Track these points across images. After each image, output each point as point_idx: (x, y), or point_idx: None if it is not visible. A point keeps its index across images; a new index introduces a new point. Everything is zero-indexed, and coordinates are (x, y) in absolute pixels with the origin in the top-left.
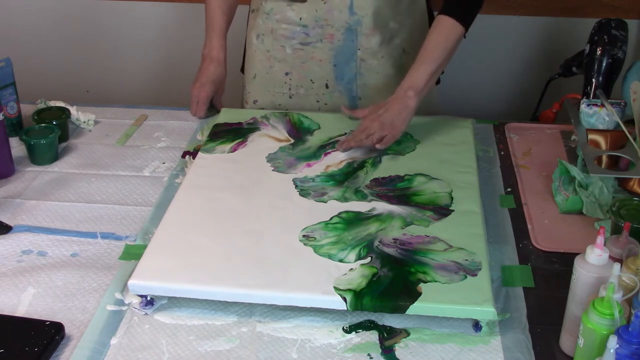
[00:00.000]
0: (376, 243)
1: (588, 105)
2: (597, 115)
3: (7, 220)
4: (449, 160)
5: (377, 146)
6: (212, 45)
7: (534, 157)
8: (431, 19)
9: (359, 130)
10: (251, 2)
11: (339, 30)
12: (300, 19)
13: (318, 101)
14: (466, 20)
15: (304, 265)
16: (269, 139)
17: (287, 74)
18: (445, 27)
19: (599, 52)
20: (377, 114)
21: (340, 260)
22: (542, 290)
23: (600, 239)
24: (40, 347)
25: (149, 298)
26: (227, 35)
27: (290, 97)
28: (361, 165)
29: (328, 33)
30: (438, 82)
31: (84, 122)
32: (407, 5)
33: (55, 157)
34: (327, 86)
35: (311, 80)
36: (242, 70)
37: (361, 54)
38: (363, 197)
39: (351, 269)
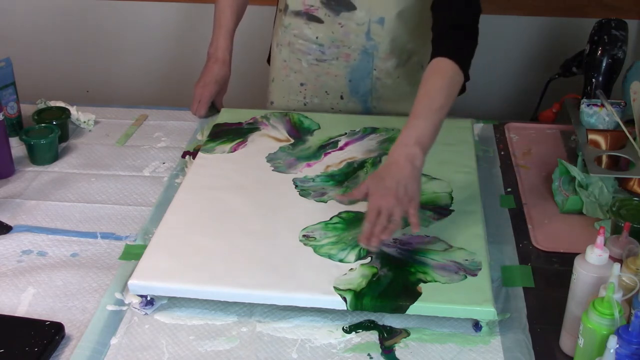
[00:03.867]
0: None
1: (588, 105)
2: (597, 115)
3: (7, 220)
4: (449, 160)
5: (413, 230)
6: (218, 45)
7: (534, 157)
8: None
9: (374, 214)
10: (278, 1)
11: (355, 51)
12: (317, 37)
13: (332, 108)
14: (464, 68)
15: (304, 265)
16: (269, 139)
17: (302, 84)
18: (446, 70)
19: (599, 52)
20: (384, 187)
21: (340, 260)
22: (542, 290)
23: (600, 239)
24: (40, 347)
25: (149, 298)
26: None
27: (305, 105)
28: (361, 165)
29: (344, 53)
30: (463, 90)
31: (84, 122)
32: (425, 26)
33: (55, 157)
34: (342, 97)
35: (326, 91)
36: (268, 61)
37: (377, 74)
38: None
39: (351, 269)
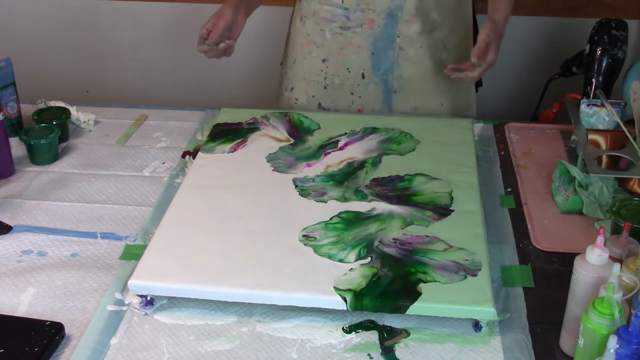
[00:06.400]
0: (376, 243)
1: (588, 105)
2: (597, 115)
3: (7, 220)
4: (449, 160)
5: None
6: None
7: (534, 157)
8: (475, 23)
9: (480, 50)
10: None
11: (379, 15)
12: (342, 1)
13: (352, 93)
14: None
15: (304, 265)
16: (269, 139)
17: (324, 60)
18: None
19: (599, 52)
20: (490, 41)
21: (340, 260)
22: (542, 290)
23: (600, 239)
24: (40, 347)
25: (149, 298)
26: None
27: (325, 88)
28: (361, 165)
29: (368, 18)
30: (480, 85)
31: (84, 122)
32: (453, 1)
33: (55, 157)
34: (363, 76)
35: (347, 69)
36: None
37: (400, 42)
38: (363, 197)
39: (351, 269)
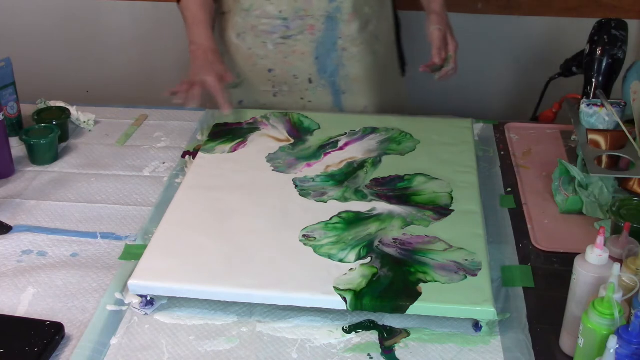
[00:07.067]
0: (376, 243)
1: (588, 105)
2: (597, 115)
3: (7, 220)
4: (449, 160)
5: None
6: (200, 37)
7: (534, 157)
8: (395, 10)
9: (440, 48)
10: (221, 5)
11: (319, 20)
12: (280, 12)
13: (302, 98)
14: None
15: (304, 265)
16: (269, 139)
17: (270, 70)
18: None
19: (599, 52)
20: (445, 33)
21: (340, 260)
22: (542, 290)
23: (600, 239)
24: (40, 347)
25: (149, 298)
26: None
27: (275, 96)
28: (361, 165)
29: (308, 24)
30: (404, 73)
31: (84, 122)
32: None
33: (55, 157)
34: (310, 81)
35: (294, 75)
36: None
37: (342, 43)
38: (363, 197)
39: (351, 269)
